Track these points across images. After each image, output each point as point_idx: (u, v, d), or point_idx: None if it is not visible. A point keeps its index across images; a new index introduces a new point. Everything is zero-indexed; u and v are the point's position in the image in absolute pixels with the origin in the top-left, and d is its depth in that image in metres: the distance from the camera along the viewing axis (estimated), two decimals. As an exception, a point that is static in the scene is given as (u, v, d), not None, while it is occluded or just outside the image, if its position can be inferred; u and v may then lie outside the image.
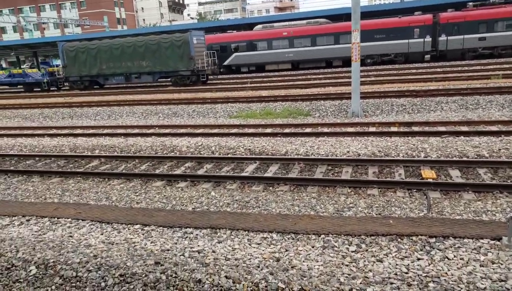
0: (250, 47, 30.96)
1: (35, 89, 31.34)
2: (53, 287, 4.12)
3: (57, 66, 30.68)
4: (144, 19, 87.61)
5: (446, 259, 3.97)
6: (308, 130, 10.67)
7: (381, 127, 10.55)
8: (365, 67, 26.76)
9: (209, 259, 4.31)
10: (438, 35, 27.02)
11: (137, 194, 6.79)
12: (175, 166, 8.39)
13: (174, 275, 3.96)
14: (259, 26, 31.61)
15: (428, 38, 27.05)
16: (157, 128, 12.52)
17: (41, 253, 4.65)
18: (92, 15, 71.44)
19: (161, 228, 5.29)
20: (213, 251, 4.52)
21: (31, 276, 4.33)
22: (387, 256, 4.15)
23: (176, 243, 4.81)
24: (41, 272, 4.34)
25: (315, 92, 16.88)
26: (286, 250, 4.43)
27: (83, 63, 26.80)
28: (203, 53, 25.14)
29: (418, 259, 4.00)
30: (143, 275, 4.01)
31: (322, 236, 4.69)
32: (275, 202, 5.99)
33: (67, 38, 35.86)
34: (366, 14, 29.13)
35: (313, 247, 4.47)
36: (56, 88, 30.79)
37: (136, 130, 12.33)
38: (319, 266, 4.02)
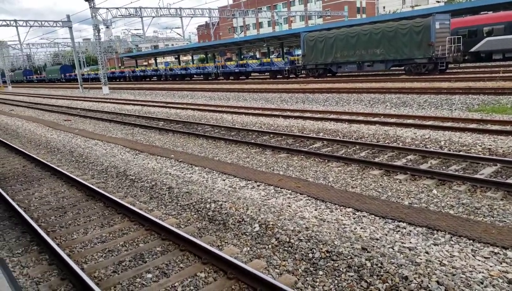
0: (509, 30, 25.95)
1: (278, 76, 35.56)
2: (270, 246, 4.62)
3: (297, 56, 33.76)
4: (384, 7, 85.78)
5: None
6: None
7: None
8: None
9: (421, 258, 3.93)
10: None
11: (353, 179, 6.82)
12: (396, 156, 7.98)
13: (379, 264, 3.80)
14: None
15: None
16: (382, 117, 12.19)
17: (264, 214, 5.28)
18: (334, 6, 75.01)
19: (372, 216, 5.15)
20: (427, 252, 4.09)
21: (254, 232, 4.98)
22: None
23: (386, 235, 4.59)
24: (262, 231, 4.93)
25: None
26: (524, 274, 3.59)
27: (319, 52, 28.41)
28: (446, 39, 22.64)
29: None
30: (348, 257, 4.01)
31: None
32: (516, 215, 4.91)
33: (308, 29, 38.82)
34: None
35: None
36: (294, 76, 34.05)
37: (361, 118, 12.34)
38: None
